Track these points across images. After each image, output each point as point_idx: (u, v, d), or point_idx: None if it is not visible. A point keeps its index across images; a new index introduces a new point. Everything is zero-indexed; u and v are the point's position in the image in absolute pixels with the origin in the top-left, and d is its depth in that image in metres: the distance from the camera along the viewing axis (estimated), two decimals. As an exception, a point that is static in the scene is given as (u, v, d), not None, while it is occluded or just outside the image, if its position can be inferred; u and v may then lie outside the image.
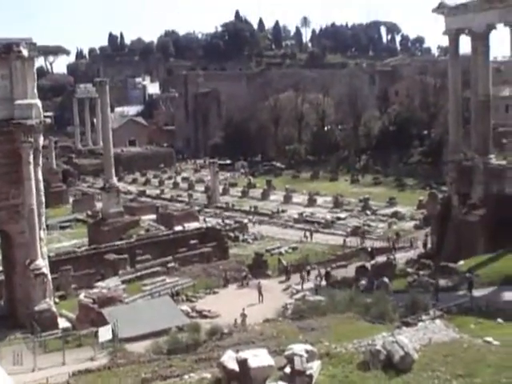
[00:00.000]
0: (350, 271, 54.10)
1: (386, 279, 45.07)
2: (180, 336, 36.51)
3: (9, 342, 40.10)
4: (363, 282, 47.77)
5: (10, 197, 41.73)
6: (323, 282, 51.24)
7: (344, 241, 68.20)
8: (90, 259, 58.88)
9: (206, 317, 44.52)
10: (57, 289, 49.60)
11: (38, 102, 42.44)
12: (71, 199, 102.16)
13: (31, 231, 41.53)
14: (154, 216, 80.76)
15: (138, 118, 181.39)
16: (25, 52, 41.03)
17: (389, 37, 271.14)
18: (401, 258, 58.13)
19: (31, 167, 41.01)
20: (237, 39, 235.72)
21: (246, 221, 79.38)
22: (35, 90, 42.46)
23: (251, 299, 47.94)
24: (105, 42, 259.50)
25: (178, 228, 70.96)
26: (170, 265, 56.64)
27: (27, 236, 41.78)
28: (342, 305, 37.84)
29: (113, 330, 39.12)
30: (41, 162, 43.17)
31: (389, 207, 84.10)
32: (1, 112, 40.97)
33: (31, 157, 41.04)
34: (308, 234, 71.71)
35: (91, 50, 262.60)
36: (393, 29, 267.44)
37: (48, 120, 43.38)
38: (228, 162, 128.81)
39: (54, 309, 43.71)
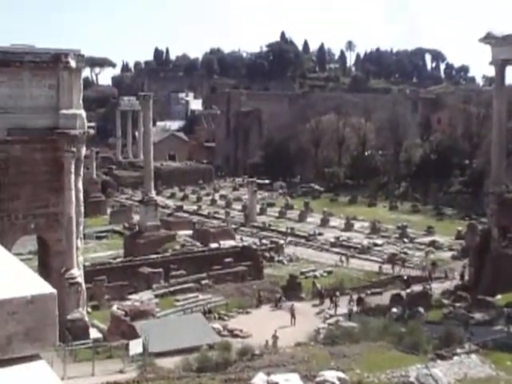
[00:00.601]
0: (384, 299, 53.46)
1: (420, 309, 44.41)
2: (210, 354, 36.36)
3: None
4: (397, 310, 47.16)
5: (49, 205, 42.16)
6: (355, 308, 50.75)
7: (380, 267, 67.45)
8: (124, 271, 58.98)
9: (237, 336, 44.28)
10: (90, 298, 49.80)
11: (83, 113, 42.94)
12: (109, 210, 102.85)
13: (68, 240, 41.84)
14: (190, 231, 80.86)
15: (180, 133, 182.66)
16: (73, 63, 41.56)
17: (433, 64, 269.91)
18: (437, 288, 57.28)
19: (72, 177, 41.39)
20: (281, 60, 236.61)
21: (281, 241, 79.04)
22: (81, 101, 42.99)
23: (283, 321, 47.61)
24: (150, 57, 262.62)
25: (214, 245, 70.93)
26: (203, 282, 56.57)
27: (64, 244, 42.10)
28: (375, 332, 37.37)
29: (143, 344, 39.12)
30: (82, 172, 43.61)
31: (426, 236, 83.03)
32: (46, 120, 41.48)
33: (73, 166, 41.45)
34: (344, 258, 71.07)
35: (136, 64, 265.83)
36: (437, 56, 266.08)
37: (91, 131, 43.90)
38: (266, 181, 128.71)
39: (87, 318, 43.91)
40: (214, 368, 33.98)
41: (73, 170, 41.32)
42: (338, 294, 54.47)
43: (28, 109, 41.22)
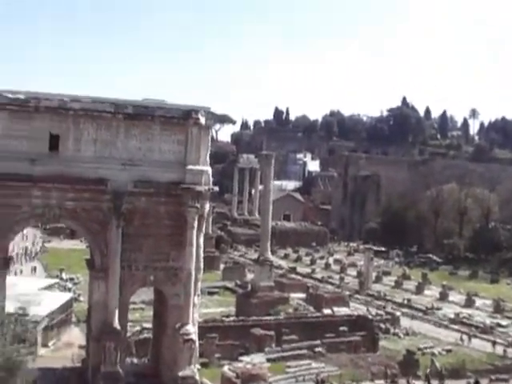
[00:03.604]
0: (510, 386, 49.81)
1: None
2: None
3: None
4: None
5: (170, 258, 41.95)
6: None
7: (504, 351, 63.09)
8: (236, 330, 58.01)
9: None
10: (200, 355, 48.86)
11: (209, 170, 42.84)
12: (222, 266, 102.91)
13: (186, 295, 41.32)
14: (302, 295, 79.26)
15: (296, 193, 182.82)
16: (202, 120, 41.74)
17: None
18: None
19: (194, 232, 41.09)
20: (402, 125, 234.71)
21: (398, 313, 76.05)
22: (207, 158, 42.97)
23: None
24: (270, 116, 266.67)
25: (327, 311, 69.13)
26: (316, 349, 54.73)
27: (181, 299, 41.60)
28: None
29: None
30: (204, 229, 43.29)
31: (556, 319, 77.66)
32: (172, 175, 41.57)
33: (196, 222, 41.17)
34: (465, 337, 67.23)
35: (256, 122, 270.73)
36: None
37: (216, 188, 43.61)
38: (382, 248, 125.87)
39: (198, 377, 42.94)
40: None
41: (195, 226, 41.01)
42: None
43: (156, 162, 41.50)
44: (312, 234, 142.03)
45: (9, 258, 43.21)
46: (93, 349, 41.44)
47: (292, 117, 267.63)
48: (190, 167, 41.33)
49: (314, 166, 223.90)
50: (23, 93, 39.24)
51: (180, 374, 41.32)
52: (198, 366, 44.79)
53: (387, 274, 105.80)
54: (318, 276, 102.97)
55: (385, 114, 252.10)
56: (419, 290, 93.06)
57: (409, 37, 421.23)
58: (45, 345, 54.55)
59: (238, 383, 42.80)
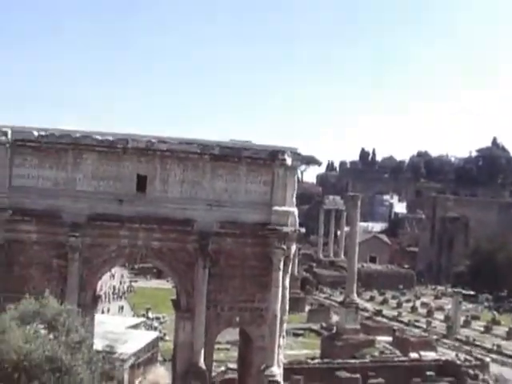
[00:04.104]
0: None
1: None
2: None
3: None
4: None
5: (255, 299, 41.99)
6: None
7: None
8: (321, 373, 57.33)
9: None
10: (285, 398, 48.43)
11: (295, 211, 42.82)
12: (307, 308, 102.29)
13: (271, 337, 41.20)
14: (388, 338, 77.81)
15: (382, 235, 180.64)
16: (288, 161, 41.85)
17: None
18: None
19: (280, 274, 41.06)
20: (491, 166, 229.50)
21: (487, 359, 73.45)
22: (294, 199, 42.97)
23: None
24: (356, 157, 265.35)
25: (414, 355, 67.49)
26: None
27: (267, 341, 41.48)
28: None
29: None
30: (289, 270, 43.20)
31: None
32: (258, 216, 41.75)
33: (282, 263, 41.15)
34: (558, 385, 64.43)
35: (342, 163, 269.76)
36: None
37: (302, 229, 43.51)
38: (471, 292, 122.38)
39: (281, 421, 42.55)
40: None
41: (281, 268, 41.00)
42: None
43: (241, 203, 41.81)
44: (398, 277, 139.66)
45: (97, 297, 44.26)
46: (178, 388, 41.73)
47: (378, 157, 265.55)
48: (276, 208, 41.45)
49: (400, 207, 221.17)
50: (111, 134, 40.46)
51: (265, 416, 41.06)
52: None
53: (476, 318, 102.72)
54: (405, 319, 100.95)
55: (474, 154, 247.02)
56: (510, 335, 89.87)
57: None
58: (131, 383, 55.19)
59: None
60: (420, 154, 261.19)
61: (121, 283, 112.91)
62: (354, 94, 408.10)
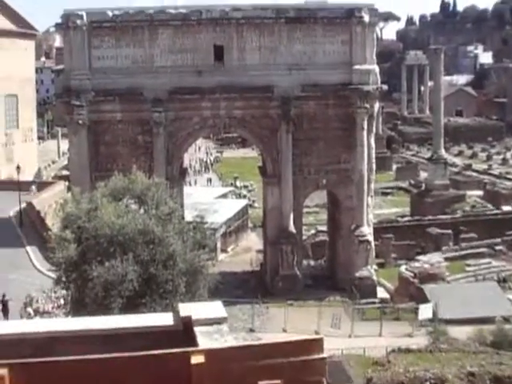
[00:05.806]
0: None
1: None
2: (507, 328, 33.69)
3: (328, 303, 40.62)
4: None
5: (341, 161, 42.00)
6: None
7: None
8: (411, 230, 57.34)
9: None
10: (376, 256, 49.04)
11: (376, 68, 41.85)
12: (394, 166, 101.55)
13: (359, 197, 41.38)
14: (479, 192, 76.67)
15: (467, 87, 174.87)
16: (366, 18, 40.61)
17: None
18: None
19: (364, 133, 40.70)
20: None
21: None
22: (374, 56, 41.93)
23: None
24: (436, 9, 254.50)
25: (507, 208, 66.43)
26: (497, 247, 52.95)
27: (355, 201, 41.75)
28: None
29: (433, 310, 37.57)
30: (374, 129, 42.67)
31: None
32: (339, 76, 41.08)
33: (365, 123, 40.69)
34: None
35: (422, 17, 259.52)
36: None
37: (384, 86, 42.76)
38: None
39: (375, 277, 43.37)
40: (510, 344, 31.36)
41: (365, 127, 40.59)
42: None
43: (321, 65, 41.15)
44: (487, 129, 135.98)
45: (184, 169, 45.16)
46: (270, 253, 42.84)
47: (460, 7, 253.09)
48: (356, 67, 40.62)
49: (486, 57, 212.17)
50: (185, 7, 39.92)
51: (357, 274, 41.91)
52: (374, 267, 45.17)
53: None
54: (495, 172, 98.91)
55: None
56: None
57: None
58: (224, 250, 56.75)
59: (416, 283, 42.55)
60: (504, 1, 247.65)
61: (207, 155, 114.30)
62: None
